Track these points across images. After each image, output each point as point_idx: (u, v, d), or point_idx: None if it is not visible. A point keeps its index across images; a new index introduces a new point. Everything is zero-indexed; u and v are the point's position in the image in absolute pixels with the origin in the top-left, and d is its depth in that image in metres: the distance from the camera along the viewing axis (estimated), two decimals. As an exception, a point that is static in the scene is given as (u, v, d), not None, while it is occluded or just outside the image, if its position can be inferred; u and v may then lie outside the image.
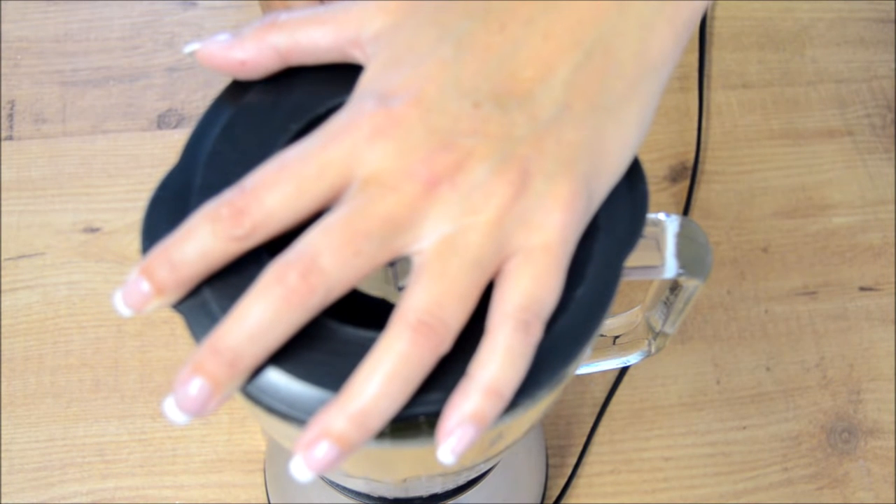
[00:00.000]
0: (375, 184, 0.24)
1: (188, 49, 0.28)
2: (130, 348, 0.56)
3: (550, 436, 0.55)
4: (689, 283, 0.34)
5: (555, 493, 0.53)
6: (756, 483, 0.55)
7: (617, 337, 0.39)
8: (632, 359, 0.40)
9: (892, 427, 0.56)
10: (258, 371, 0.24)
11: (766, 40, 0.69)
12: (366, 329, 0.25)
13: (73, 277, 0.58)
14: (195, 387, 0.24)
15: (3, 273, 0.58)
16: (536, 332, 0.25)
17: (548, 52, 0.25)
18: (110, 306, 0.57)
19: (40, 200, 0.60)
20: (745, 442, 0.56)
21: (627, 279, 0.29)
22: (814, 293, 0.60)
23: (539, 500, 0.53)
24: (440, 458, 0.24)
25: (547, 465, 0.54)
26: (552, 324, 0.25)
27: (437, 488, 0.39)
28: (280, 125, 0.28)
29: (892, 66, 0.69)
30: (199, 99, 0.64)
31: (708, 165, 0.64)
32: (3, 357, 0.56)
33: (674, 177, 0.64)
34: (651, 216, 0.34)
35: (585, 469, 0.55)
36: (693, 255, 0.32)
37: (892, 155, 0.65)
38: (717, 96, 0.67)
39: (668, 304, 0.36)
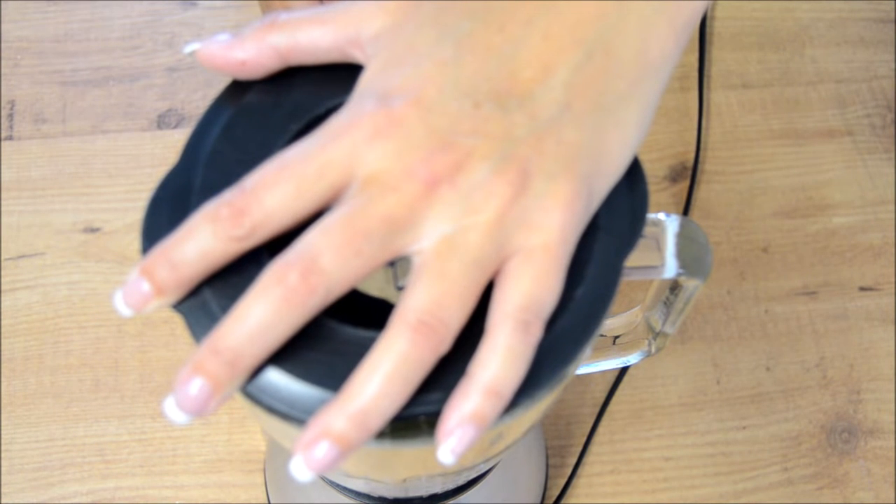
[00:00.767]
0: (375, 184, 0.24)
1: (188, 49, 0.28)
2: (130, 348, 0.56)
3: (550, 436, 0.55)
4: (689, 283, 0.34)
5: (555, 493, 0.53)
6: (756, 483, 0.55)
7: (617, 337, 0.39)
8: (632, 359, 0.40)
9: (892, 427, 0.56)
10: (258, 371, 0.24)
11: (766, 40, 0.69)
12: (366, 329, 0.25)
13: (73, 277, 0.58)
14: (195, 387, 0.24)
15: (3, 273, 0.58)
16: (536, 332, 0.25)
17: (548, 52, 0.25)
18: (110, 306, 0.57)
19: (40, 200, 0.60)
20: (745, 442, 0.56)
21: (627, 279, 0.29)
22: (814, 293, 0.60)
23: (539, 500, 0.53)
24: (440, 458, 0.24)
25: (547, 465, 0.54)
26: (552, 324, 0.25)
27: (437, 488, 0.39)
28: (280, 125, 0.28)
29: (892, 66, 0.69)
30: (199, 99, 0.64)
31: (708, 165, 0.64)
32: (3, 357, 0.56)
33: (674, 177, 0.64)
34: (651, 216, 0.34)
35: (585, 469, 0.54)
36: (693, 255, 0.32)
37: (892, 155, 0.65)
38: (717, 96, 0.67)
39: (668, 304, 0.36)
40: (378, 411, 0.23)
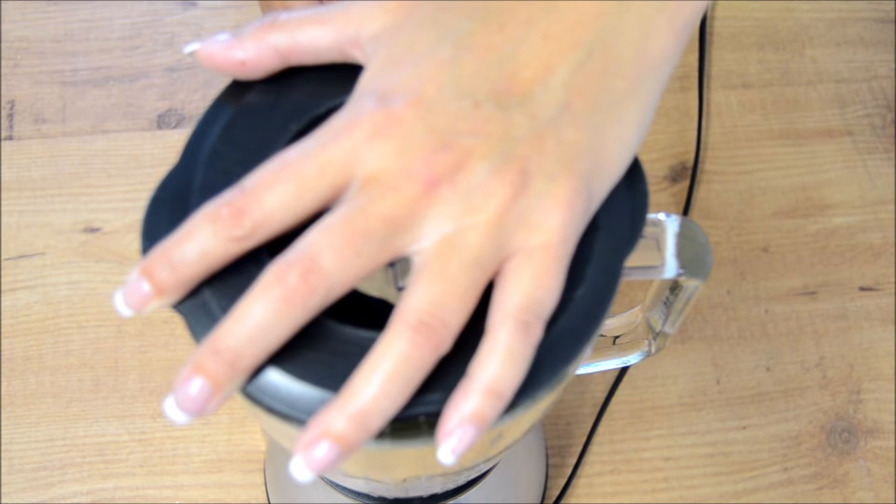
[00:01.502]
0: (375, 184, 0.24)
1: (188, 49, 0.28)
2: (130, 348, 0.56)
3: (550, 436, 0.55)
4: (689, 283, 0.34)
5: (555, 493, 0.53)
6: (756, 483, 0.55)
7: (617, 337, 0.39)
8: (632, 359, 0.40)
9: (892, 427, 0.56)
10: (258, 371, 0.24)
11: (766, 40, 0.69)
12: (366, 329, 0.25)
13: (73, 277, 0.58)
14: (195, 387, 0.24)
15: (3, 273, 0.58)
16: (536, 333, 0.25)
17: (547, 51, 0.25)
18: (110, 306, 0.57)
19: (40, 200, 0.60)
20: (745, 442, 0.56)
21: (627, 279, 0.29)
22: (814, 293, 0.60)
23: (539, 500, 0.53)
24: (440, 458, 0.24)
25: (547, 465, 0.54)
26: (552, 324, 0.25)
27: (437, 488, 0.39)
28: (280, 125, 0.28)
29: (892, 66, 0.69)
30: (199, 99, 0.64)
31: (708, 165, 0.64)
32: (3, 357, 0.56)
33: (674, 177, 0.64)
34: (651, 216, 0.34)
35: (585, 469, 0.54)
36: (693, 255, 0.32)
37: (892, 155, 0.65)
38: (717, 96, 0.67)
39: (668, 304, 0.36)
40: (378, 411, 0.23)
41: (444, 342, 0.24)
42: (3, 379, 0.55)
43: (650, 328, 0.39)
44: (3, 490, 0.52)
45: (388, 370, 0.23)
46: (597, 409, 0.56)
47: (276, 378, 0.24)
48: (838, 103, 0.67)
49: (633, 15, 0.26)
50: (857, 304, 0.60)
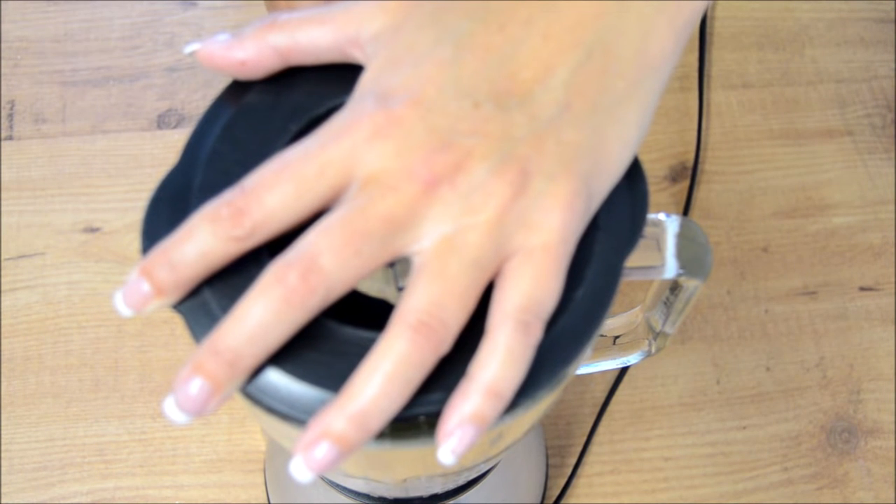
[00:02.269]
0: (375, 184, 0.24)
1: (188, 49, 0.28)
2: (130, 348, 0.56)
3: (550, 436, 0.55)
4: (690, 284, 0.34)
5: (555, 493, 0.53)
6: (756, 483, 0.55)
7: (617, 337, 0.39)
8: (632, 359, 0.40)
9: (892, 427, 0.56)
10: (258, 371, 0.24)
11: (766, 40, 0.69)
12: (366, 329, 0.25)
13: (73, 277, 0.58)
14: (195, 387, 0.24)
15: (3, 273, 0.58)
16: (536, 333, 0.25)
17: (547, 52, 0.25)
18: (110, 306, 0.57)
19: (40, 200, 0.60)
20: (745, 442, 0.56)
21: (627, 279, 0.29)
22: (814, 293, 0.60)
23: (539, 500, 0.53)
24: (440, 458, 0.24)
25: (547, 465, 0.54)
26: (552, 324, 0.25)
27: (437, 488, 0.39)
28: (280, 125, 0.28)
29: (892, 66, 0.69)
30: (199, 99, 0.64)
31: (708, 165, 0.64)
32: (3, 357, 0.56)
33: (674, 177, 0.64)
34: (651, 216, 0.34)
35: (585, 469, 0.55)
36: (693, 256, 0.32)
37: (892, 155, 0.65)
38: (717, 96, 0.67)
39: (668, 305, 0.36)
40: (378, 412, 0.23)
41: (444, 342, 0.24)
42: (3, 379, 0.55)
43: (650, 328, 0.39)
44: (3, 490, 0.52)
45: (387, 370, 0.23)
46: (597, 409, 0.56)
47: (276, 378, 0.24)
48: (838, 103, 0.67)
49: (632, 15, 0.26)
50: (857, 304, 0.60)
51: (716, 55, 0.68)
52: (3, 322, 0.57)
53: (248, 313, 0.24)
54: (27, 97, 0.64)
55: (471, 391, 0.24)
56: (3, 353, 0.56)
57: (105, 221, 0.60)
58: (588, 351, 0.27)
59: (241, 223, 0.24)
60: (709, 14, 0.69)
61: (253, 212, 0.24)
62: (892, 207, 0.63)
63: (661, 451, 0.55)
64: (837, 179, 0.64)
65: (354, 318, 0.25)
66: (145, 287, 0.24)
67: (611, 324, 0.40)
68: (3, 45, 0.66)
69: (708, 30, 0.68)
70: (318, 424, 0.24)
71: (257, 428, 0.54)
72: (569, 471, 0.54)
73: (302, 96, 0.28)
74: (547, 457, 0.54)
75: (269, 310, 0.23)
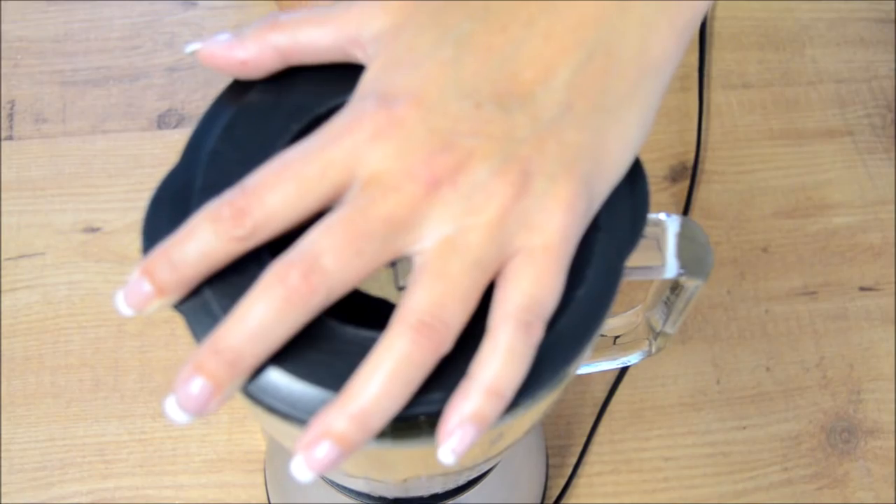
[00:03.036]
0: (376, 184, 0.24)
1: (189, 48, 0.28)
2: (130, 348, 0.56)
3: (550, 436, 0.55)
4: (690, 283, 0.34)
5: (555, 493, 0.53)
6: (756, 483, 0.55)
7: (617, 337, 0.40)
8: (632, 359, 0.40)
9: (892, 427, 0.56)
10: (259, 371, 0.24)
11: (766, 40, 0.69)
12: (366, 329, 0.25)
13: (73, 277, 0.58)
14: (196, 386, 0.24)
15: (3, 273, 0.58)
16: (537, 333, 0.25)
17: (549, 52, 0.25)
18: (110, 306, 0.57)
19: (40, 200, 0.60)
20: (745, 442, 0.56)
21: (628, 279, 0.29)
22: (814, 293, 0.60)
23: (539, 500, 0.53)
24: (441, 458, 0.24)
25: (547, 465, 0.54)
26: (553, 324, 0.25)
27: (438, 488, 0.39)
28: (281, 125, 0.28)
29: (892, 66, 0.69)
30: (199, 99, 0.64)
31: (708, 165, 0.64)
32: (3, 357, 0.56)
33: (674, 177, 0.64)
34: (651, 216, 0.34)
35: (585, 469, 0.55)
36: (693, 255, 0.32)
37: (892, 155, 0.65)
38: (717, 96, 0.67)
39: (668, 304, 0.36)
40: (379, 411, 0.23)
41: (444, 342, 0.24)
42: (3, 379, 0.55)
43: (651, 328, 0.39)
44: (3, 490, 0.52)
45: (389, 370, 0.23)
46: (597, 409, 0.56)
47: (277, 378, 0.24)
48: (838, 103, 0.67)
49: (634, 16, 0.26)
50: (857, 304, 0.60)
51: (716, 55, 0.68)
52: (3, 322, 0.57)
53: (249, 313, 0.24)
54: (27, 97, 0.64)
55: (471, 391, 0.24)
56: (3, 353, 0.56)
57: (105, 221, 0.60)
58: (588, 351, 0.27)
59: (243, 223, 0.24)
60: (709, 14, 0.69)
61: (254, 211, 0.24)
62: (892, 207, 0.63)
63: (661, 451, 0.55)
64: (837, 179, 0.64)
65: (355, 319, 0.25)
66: (146, 287, 0.24)
67: (611, 324, 0.40)
68: (3, 45, 0.66)
69: (708, 30, 0.68)
70: (318, 424, 0.24)
71: (257, 428, 0.54)
72: (569, 471, 0.54)
73: (303, 96, 0.28)
74: (547, 457, 0.54)
75: (271, 309, 0.23)
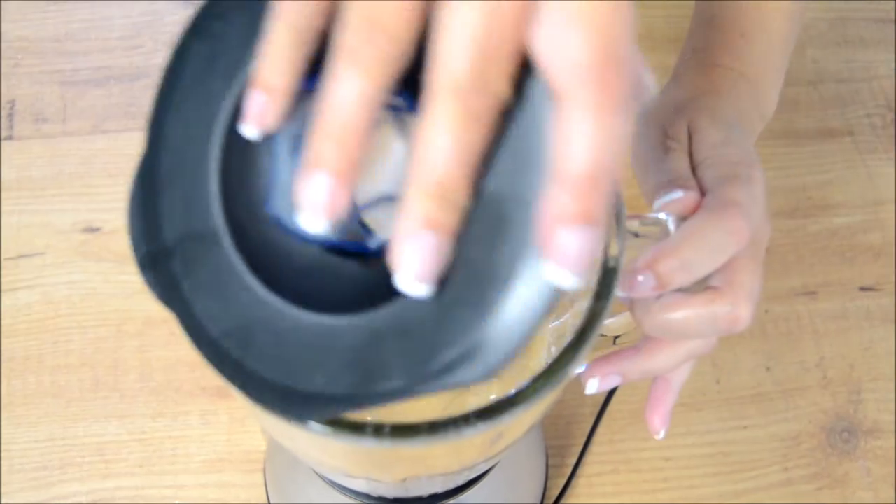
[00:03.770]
0: None
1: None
2: (130, 348, 0.56)
3: (550, 436, 0.55)
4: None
5: (555, 493, 0.53)
6: (756, 483, 0.54)
7: (617, 337, 0.40)
8: (632, 359, 0.40)
9: (892, 427, 0.56)
10: (259, 370, 0.24)
11: (766, 40, 0.69)
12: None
13: (73, 277, 0.58)
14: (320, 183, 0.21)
15: (3, 273, 0.58)
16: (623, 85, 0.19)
17: None
18: (110, 306, 0.57)
19: (40, 200, 0.60)
20: (745, 442, 0.56)
21: (628, 279, 0.29)
22: (814, 293, 0.60)
23: (539, 500, 0.53)
24: (565, 285, 0.20)
25: (547, 465, 0.54)
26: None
27: (438, 488, 0.39)
28: (219, 88, 0.26)
29: (892, 66, 0.69)
30: (199, 99, 0.64)
31: (708, 165, 0.64)
32: (3, 357, 0.56)
33: (674, 177, 0.64)
34: (652, 216, 0.34)
35: (585, 469, 0.54)
36: (693, 255, 0.32)
37: (892, 155, 0.65)
38: (717, 96, 0.67)
39: (668, 304, 0.36)
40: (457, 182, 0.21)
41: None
42: (3, 379, 0.55)
43: (650, 328, 0.39)
44: (3, 490, 0.52)
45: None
46: (597, 409, 0.56)
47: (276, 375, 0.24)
48: (838, 103, 0.67)
49: None
50: (857, 304, 0.60)
51: (716, 55, 0.68)
52: (3, 322, 0.57)
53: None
54: (27, 97, 0.64)
55: (559, 189, 0.20)
56: (3, 353, 0.56)
57: (105, 221, 0.60)
58: (588, 351, 0.27)
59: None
60: (709, 14, 0.69)
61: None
62: (892, 207, 0.63)
63: (661, 451, 0.55)
64: (838, 179, 0.64)
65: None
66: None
67: (611, 324, 0.40)
68: (3, 45, 0.66)
69: (708, 30, 0.68)
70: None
71: (257, 428, 0.54)
72: (569, 471, 0.54)
73: (235, 52, 0.26)
74: (547, 457, 0.54)
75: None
